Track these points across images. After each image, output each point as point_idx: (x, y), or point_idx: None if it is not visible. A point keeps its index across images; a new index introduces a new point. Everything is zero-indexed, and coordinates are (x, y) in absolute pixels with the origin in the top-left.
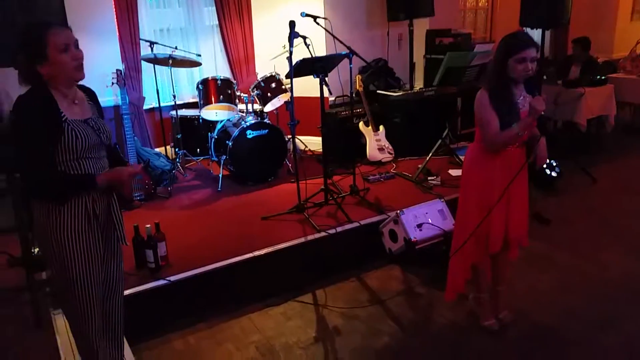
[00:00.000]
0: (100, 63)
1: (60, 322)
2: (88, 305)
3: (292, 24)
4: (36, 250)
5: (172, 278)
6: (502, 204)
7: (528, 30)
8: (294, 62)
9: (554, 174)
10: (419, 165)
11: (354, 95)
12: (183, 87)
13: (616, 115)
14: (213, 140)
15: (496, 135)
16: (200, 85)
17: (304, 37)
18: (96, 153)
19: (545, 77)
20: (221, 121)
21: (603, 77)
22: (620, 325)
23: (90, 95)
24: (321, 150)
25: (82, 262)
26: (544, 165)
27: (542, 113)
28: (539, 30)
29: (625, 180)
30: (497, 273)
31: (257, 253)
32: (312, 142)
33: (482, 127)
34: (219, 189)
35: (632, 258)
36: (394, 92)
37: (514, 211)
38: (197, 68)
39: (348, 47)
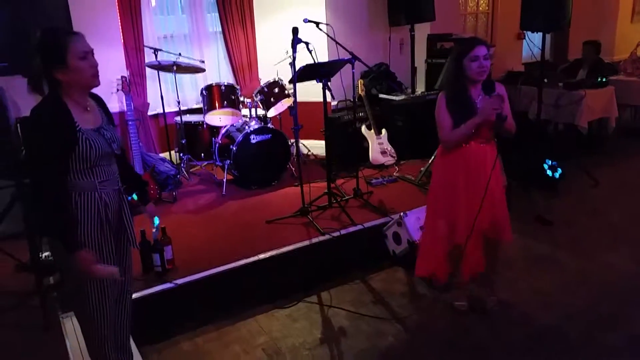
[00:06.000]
0: (105, 70)
1: (69, 326)
2: (103, 310)
3: (295, 30)
4: (44, 255)
5: (179, 281)
6: (477, 198)
7: (529, 33)
8: (297, 68)
9: (555, 175)
10: (422, 168)
11: (356, 99)
12: (187, 93)
13: (617, 118)
14: (217, 145)
15: (447, 135)
16: (204, 91)
17: (307, 43)
18: (107, 161)
19: (545, 80)
20: (225, 126)
21: (604, 79)
22: (624, 326)
23: (99, 101)
24: (324, 154)
25: None
26: (546, 167)
27: (498, 111)
28: (540, 34)
29: (627, 182)
30: (488, 261)
31: (262, 256)
32: (315, 146)
33: (438, 129)
34: (224, 193)
35: (634, 259)
36: (396, 96)
37: (489, 205)
38: (201, 74)
39: (350, 53)
